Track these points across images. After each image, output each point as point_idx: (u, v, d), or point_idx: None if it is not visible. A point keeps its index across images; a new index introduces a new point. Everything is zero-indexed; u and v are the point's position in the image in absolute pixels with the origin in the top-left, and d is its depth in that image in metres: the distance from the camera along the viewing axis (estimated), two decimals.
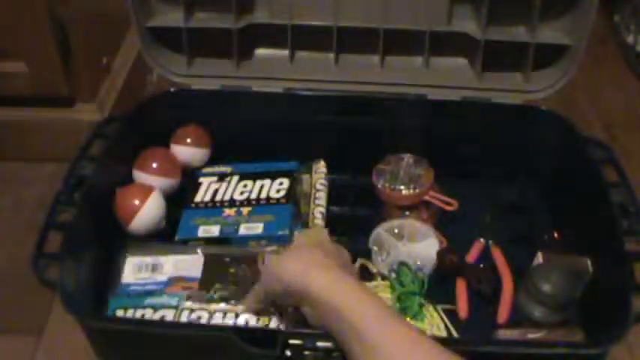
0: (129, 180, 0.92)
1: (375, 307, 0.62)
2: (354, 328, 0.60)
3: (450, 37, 0.94)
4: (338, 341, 0.63)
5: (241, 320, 0.75)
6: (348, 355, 0.62)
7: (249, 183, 0.95)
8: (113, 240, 0.87)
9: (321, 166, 0.99)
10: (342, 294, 0.63)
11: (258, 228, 0.88)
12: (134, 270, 0.82)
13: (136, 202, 0.86)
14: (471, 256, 0.90)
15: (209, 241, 0.87)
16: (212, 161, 1.00)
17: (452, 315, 0.83)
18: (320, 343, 0.65)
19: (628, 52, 1.52)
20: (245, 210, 0.91)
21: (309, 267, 0.66)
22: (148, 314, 0.77)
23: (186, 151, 0.97)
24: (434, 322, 0.81)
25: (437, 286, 0.85)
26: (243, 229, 0.88)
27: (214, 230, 0.88)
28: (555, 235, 0.91)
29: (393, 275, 0.84)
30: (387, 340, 0.59)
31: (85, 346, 0.75)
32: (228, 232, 0.88)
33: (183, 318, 0.76)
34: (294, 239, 0.83)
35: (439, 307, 0.83)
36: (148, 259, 0.83)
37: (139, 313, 0.77)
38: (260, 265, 0.79)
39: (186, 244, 0.87)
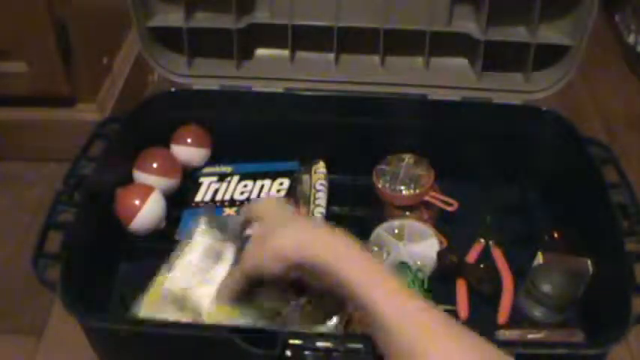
0: (129, 180, 0.92)
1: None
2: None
3: (450, 37, 0.94)
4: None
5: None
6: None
7: (250, 183, 0.95)
8: (113, 240, 0.87)
9: (321, 167, 0.99)
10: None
11: None
12: None
13: (136, 202, 0.86)
14: (471, 257, 0.90)
15: None
16: (212, 161, 1.00)
17: (452, 315, 0.82)
18: (320, 343, 0.65)
19: (628, 52, 1.52)
20: None
21: (315, 236, 0.61)
22: None
23: (186, 151, 0.97)
24: None
25: (437, 286, 0.85)
26: None
27: None
28: (555, 235, 0.91)
29: None
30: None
31: (85, 346, 0.74)
32: None
33: None
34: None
35: (439, 308, 0.83)
36: None
37: None
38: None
39: None
